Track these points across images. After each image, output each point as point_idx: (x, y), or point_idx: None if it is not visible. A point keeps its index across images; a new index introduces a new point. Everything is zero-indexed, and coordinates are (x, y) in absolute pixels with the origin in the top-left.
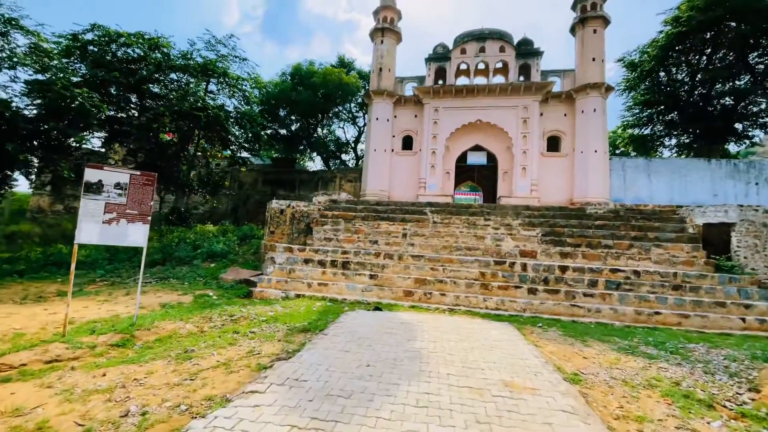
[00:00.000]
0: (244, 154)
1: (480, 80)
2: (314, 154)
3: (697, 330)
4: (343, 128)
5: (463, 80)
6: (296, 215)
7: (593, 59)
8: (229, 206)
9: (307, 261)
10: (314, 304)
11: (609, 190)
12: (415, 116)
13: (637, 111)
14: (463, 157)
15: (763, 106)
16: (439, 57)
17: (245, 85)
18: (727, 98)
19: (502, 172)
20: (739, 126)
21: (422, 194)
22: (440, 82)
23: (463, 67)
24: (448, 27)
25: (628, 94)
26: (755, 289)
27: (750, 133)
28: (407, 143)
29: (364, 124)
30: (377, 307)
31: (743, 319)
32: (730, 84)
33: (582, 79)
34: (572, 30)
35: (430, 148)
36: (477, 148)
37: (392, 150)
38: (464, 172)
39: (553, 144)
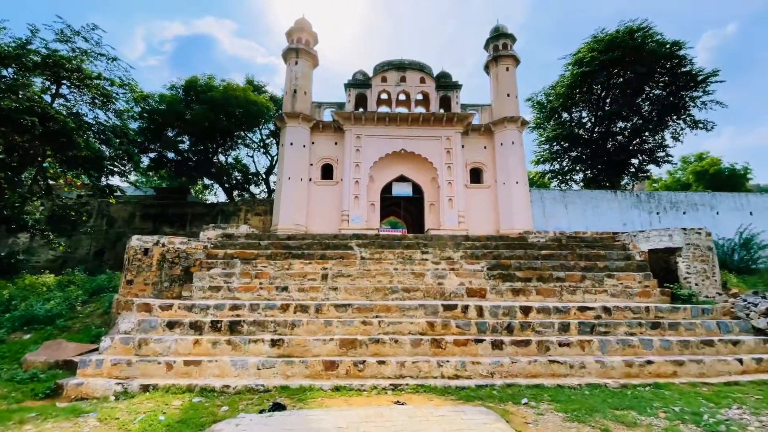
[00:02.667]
0: (117, 182)
1: (402, 110)
2: (213, 184)
3: (700, 381)
4: (252, 157)
5: (384, 110)
6: (168, 256)
7: (508, 95)
8: (92, 249)
9: (172, 325)
10: (166, 406)
11: (531, 221)
12: (335, 143)
13: (546, 147)
14: (387, 189)
15: (652, 144)
16: (359, 84)
17: (115, 92)
18: (620, 137)
19: (428, 204)
20: (635, 161)
21: (345, 228)
22: (361, 109)
23: (384, 96)
24: (362, 61)
25: (537, 132)
26: (732, 321)
27: (645, 167)
28: (327, 172)
29: (278, 153)
30: (277, 404)
31: (740, 361)
32: (624, 124)
33: (499, 113)
34: (486, 68)
35: (353, 178)
36: (402, 179)
37: (310, 179)
38: (389, 206)
39: (476, 176)
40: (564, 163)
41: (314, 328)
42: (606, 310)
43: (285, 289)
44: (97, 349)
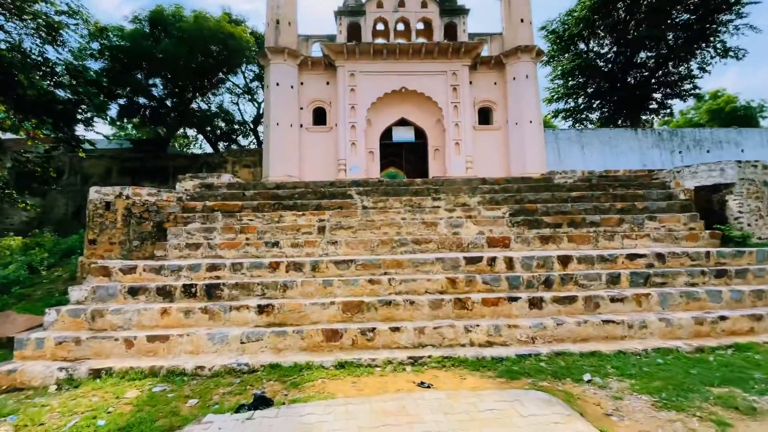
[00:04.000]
0: (87, 134)
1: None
2: (198, 136)
3: None
4: (237, 104)
5: (381, 42)
6: (135, 210)
7: (521, 20)
8: (69, 209)
9: (135, 291)
10: (117, 400)
11: (546, 164)
12: (327, 83)
13: (560, 83)
14: (386, 135)
15: (676, 76)
16: (352, 11)
17: (65, 23)
18: (642, 69)
19: (433, 150)
20: (657, 95)
21: (342, 178)
22: (354, 42)
23: (380, 27)
24: None
25: (551, 65)
26: None
27: (668, 102)
28: (320, 117)
29: (264, 98)
30: (261, 398)
31: None
32: (647, 54)
33: (511, 43)
34: None
35: (349, 122)
36: (403, 122)
37: (301, 125)
38: (388, 157)
39: (485, 116)
40: (579, 101)
41: (311, 290)
42: (659, 257)
43: (275, 244)
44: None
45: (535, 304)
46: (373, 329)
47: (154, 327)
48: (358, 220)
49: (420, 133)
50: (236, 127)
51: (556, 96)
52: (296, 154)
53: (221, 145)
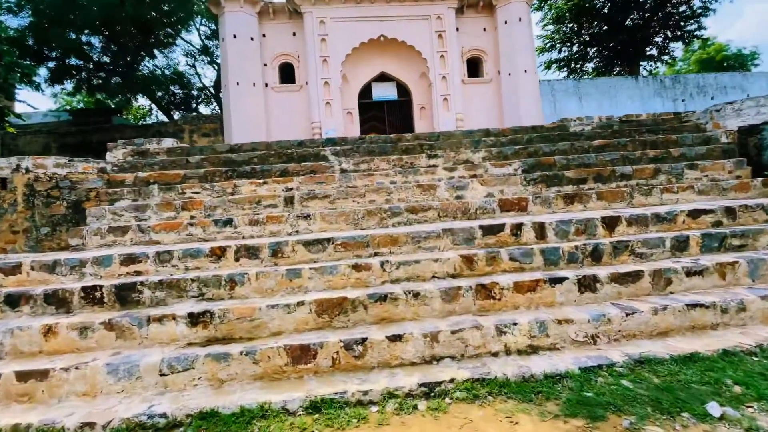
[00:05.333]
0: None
1: None
2: (152, 106)
3: None
4: (194, 67)
5: None
6: (40, 188)
7: None
8: None
9: (15, 300)
10: None
11: (543, 118)
12: (294, 34)
13: (553, 29)
14: (366, 94)
15: (678, 17)
16: None
17: None
18: (643, 11)
19: (418, 108)
20: (658, 39)
21: (314, 137)
22: None
23: None
24: None
25: (544, 9)
26: None
27: (669, 46)
28: (288, 74)
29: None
30: None
31: None
32: None
33: None
34: None
35: (322, 78)
36: (383, 78)
37: (266, 85)
38: (368, 117)
39: (474, 68)
40: (574, 49)
41: (271, 285)
42: (729, 212)
43: (228, 223)
44: None
45: (587, 285)
46: (363, 340)
47: (36, 354)
48: (336, 187)
49: (403, 90)
50: (195, 93)
51: (550, 44)
52: (262, 117)
53: (178, 116)
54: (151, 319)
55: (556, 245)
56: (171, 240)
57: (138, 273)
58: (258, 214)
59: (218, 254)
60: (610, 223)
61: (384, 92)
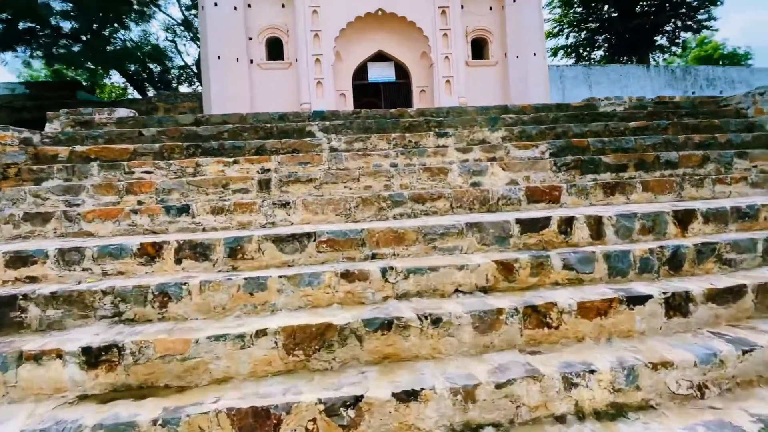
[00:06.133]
0: None
1: None
2: (127, 84)
3: None
4: (174, 42)
5: None
6: None
7: None
8: None
9: None
10: None
11: None
12: (283, 6)
13: (560, 13)
14: (360, 74)
15: (687, 6)
16: None
17: None
18: None
19: (418, 91)
20: (668, 27)
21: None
22: None
23: None
24: None
25: None
26: None
27: (679, 35)
28: (276, 50)
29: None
30: None
31: None
32: None
33: None
34: None
35: (312, 55)
36: (380, 57)
37: (251, 61)
38: (363, 100)
39: (478, 49)
40: (582, 35)
41: (222, 300)
42: None
43: (185, 210)
44: None
45: (677, 306)
46: (357, 399)
47: None
48: (324, 169)
49: (402, 71)
50: (175, 72)
51: (558, 28)
52: (246, 96)
53: (154, 93)
54: (24, 356)
55: (620, 248)
56: (108, 231)
57: (32, 279)
58: (224, 200)
59: (151, 253)
60: (684, 218)
61: (381, 73)
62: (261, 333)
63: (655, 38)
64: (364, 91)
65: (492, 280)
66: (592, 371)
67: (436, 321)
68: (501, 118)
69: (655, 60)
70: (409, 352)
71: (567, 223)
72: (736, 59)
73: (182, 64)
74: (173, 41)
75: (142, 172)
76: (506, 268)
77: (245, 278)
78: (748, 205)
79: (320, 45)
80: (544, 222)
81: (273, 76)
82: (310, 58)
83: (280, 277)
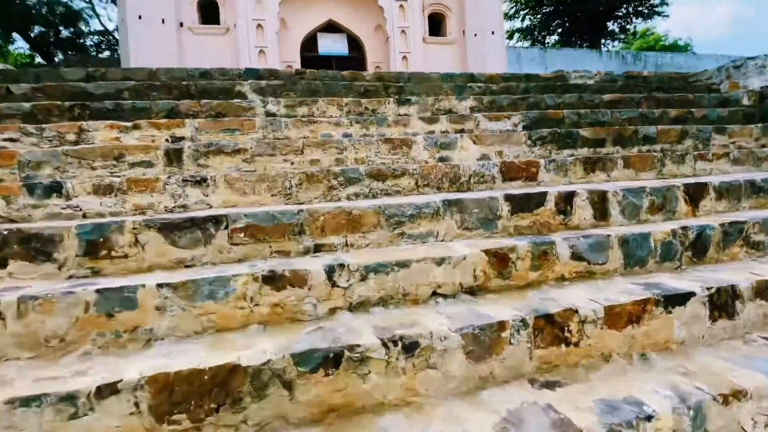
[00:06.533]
0: None
1: None
2: (30, 49)
3: None
4: (91, 3)
5: None
6: None
7: None
8: None
9: None
10: None
11: None
12: None
13: None
14: (309, 45)
15: None
16: None
17: None
18: None
19: (373, 67)
20: (621, 11)
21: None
22: None
23: None
24: None
25: None
26: None
27: (631, 21)
28: (210, 13)
29: None
30: None
31: None
32: None
33: None
34: None
35: (253, 19)
36: (332, 28)
37: (181, 24)
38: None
39: (436, 26)
40: (538, 17)
41: (58, 328)
42: None
43: (56, 190)
44: None
45: (722, 306)
46: None
47: None
48: (258, 138)
49: (356, 45)
50: (94, 38)
51: (513, 9)
52: (173, 65)
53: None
54: None
55: (637, 230)
56: None
57: None
58: (117, 176)
59: None
60: (695, 194)
61: (332, 45)
62: (109, 389)
63: (608, 24)
64: (314, 64)
65: (482, 277)
66: (647, 417)
67: (410, 347)
68: (468, 87)
69: (605, 47)
70: (368, 400)
71: (566, 201)
72: (677, 50)
73: (102, 29)
74: (90, 3)
75: (2, 140)
76: (500, 261)
77: (99, 290)
78: (764, 179)
79: (262, 9)
80: (539, 199)
81: (207, 42)
82: (251, 23)
83: (161, 286)
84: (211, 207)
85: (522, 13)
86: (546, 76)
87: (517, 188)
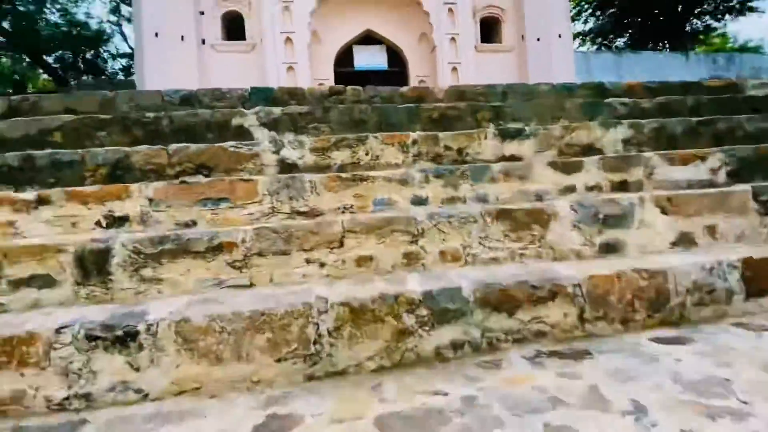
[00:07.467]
0: None
1: None
2: (44, 74)
3: None
4: (119, 25)
5: None
6: None
7: None
8: None
9: None
10: None
11: None
12: None
13: None
14: (345, 60)
15: None
16: None
17: None
18: None
19: (417, 81)
20: (707, 7)
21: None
22: None
23: None
24: None
25: None
26: None
27: (719, 18)
28: (235, 28)
29: None
30: None
31: None
32: None
33: None
34: None
35: (282, 32)
36: (369, 39)
37: (203, 41)
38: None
39: (488, 32)
40: (604, 19)
41: None
42: None
43: None
44: None
45: None
46: None
47: None
48: (262, 213)
49: (396, 58)
50: (123, 61)
51: (575, 10)
52: (193, 86)
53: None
54: None
55: None
56: None
57: None
58: None
59: None
60: None
61: (370, 59)
62: None
63: (692, 21)
64: (350, 81)
65: None
66: None
67: None
68: (605, 104)
69: (692, 49)
70: None
71: None
72: (748, 53)
73: (129, 51)
74: (118, 24)
75: None
76: None
77: None
78: None
79: (292, 21)
80: None
81: (231, 60)
82: (279, 37)
83: None
84: (147, 398)
85: (585, 14)
86: (711, 85)
87: None
